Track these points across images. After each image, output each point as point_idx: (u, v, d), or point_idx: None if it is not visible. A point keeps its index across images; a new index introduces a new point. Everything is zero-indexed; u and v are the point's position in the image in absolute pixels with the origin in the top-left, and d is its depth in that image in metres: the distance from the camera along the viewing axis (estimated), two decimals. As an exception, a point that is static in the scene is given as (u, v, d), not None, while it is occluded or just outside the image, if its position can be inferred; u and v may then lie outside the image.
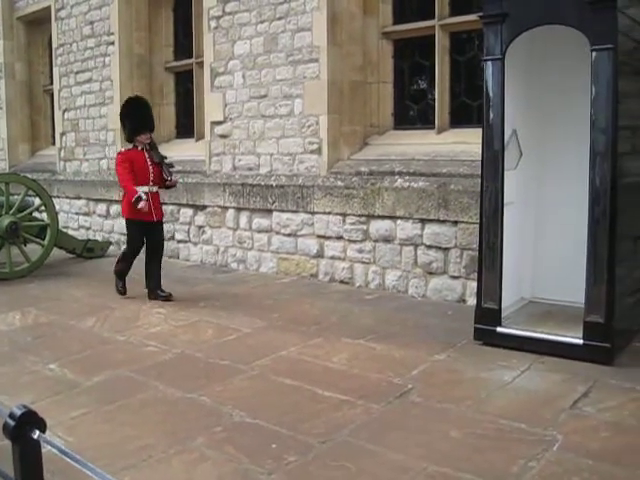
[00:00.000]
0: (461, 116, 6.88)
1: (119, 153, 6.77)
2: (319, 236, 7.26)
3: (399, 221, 6.59)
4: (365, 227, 6.85)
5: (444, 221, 6.26)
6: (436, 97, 6.96)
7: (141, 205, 6.32)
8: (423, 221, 6.39)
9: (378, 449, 3.34)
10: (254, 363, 4.63)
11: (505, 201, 4.80)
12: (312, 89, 7.33)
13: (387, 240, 6.70)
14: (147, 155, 6.61)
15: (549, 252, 5.44)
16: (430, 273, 6.42)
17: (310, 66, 7.34)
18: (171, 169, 6.76)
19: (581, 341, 4.50)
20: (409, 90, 7.45)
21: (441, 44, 6.90)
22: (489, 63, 4.80)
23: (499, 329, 4.84)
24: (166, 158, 6.76)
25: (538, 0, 4.61)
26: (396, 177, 6.67)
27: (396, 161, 6.82)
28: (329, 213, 7.08)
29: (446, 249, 6.29)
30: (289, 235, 7.58)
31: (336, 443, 3.42)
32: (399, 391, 4.08)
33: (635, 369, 4.38)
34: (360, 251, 6.92)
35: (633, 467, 3.11)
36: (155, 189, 6.67)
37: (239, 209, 8.12)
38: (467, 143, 6.34)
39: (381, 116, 7.42)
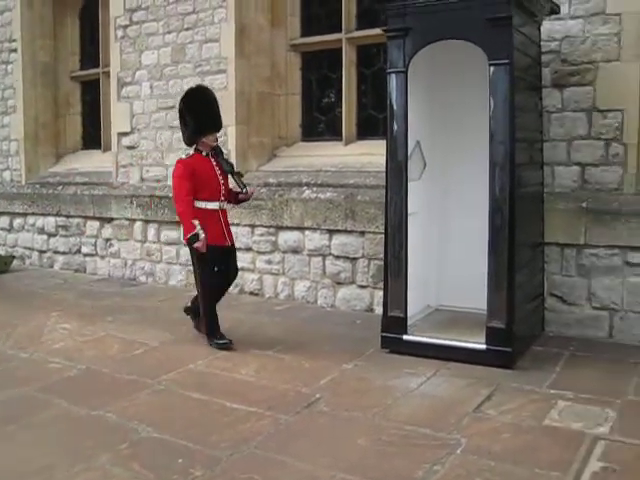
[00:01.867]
0: (368, 128, 6.98)
1: (179, 161, 5.28)
2: (228, 248, 7.20)
3: (307, 232, 6.64)
4: (274, 238, 6.87)
5: (351, 231, 6.35)
6: (343, 109, 7.05)
7: (197, 245, 5.07)
8: (331, 232, 6.46)
9: (286, 459, 3.35)
10: (161, 377, 4.56)
11: (409, 211, 4.91)
12: (220, 100, 7.25)
13: (296, 251, 6.73)
14: (214, 162, 5.35)
15: (453, 260, 5.59)
16: (339, 283, 6.49)
17: (218, 77, 7.31)
18: (242, 179, 5.49)
19: (484, 346, 4.64)
20: (317, 102, 7.51)
21: (348, 57, 7.01)
22: (393, 75, 4.90)
23: (405, 337, 4.93)
24: (233, 166, 5.54)
25: (440, 16, 4.73)
26: (304, 188, 6.71)
27: (304, 172, 6.87)
28: (238, 224, 7.04)
29: (354, 259, 6.37)
30: (198, 247, 7.49)
31: (244, 455, 3.40)
32: (307, 401, 4.09)
33: (535, 372, 4.55)
34: (269, 262, 6.93)
35: (532, 466, 3.23)
36: (225, 205, 5.44)
37: (147, 221, 8.00)
38: (373, 154, 6.44)
39: (289, 128, 7.47)
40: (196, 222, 5.08)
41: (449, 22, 4.69)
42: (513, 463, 3.26)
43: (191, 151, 5.34)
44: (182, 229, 5.42)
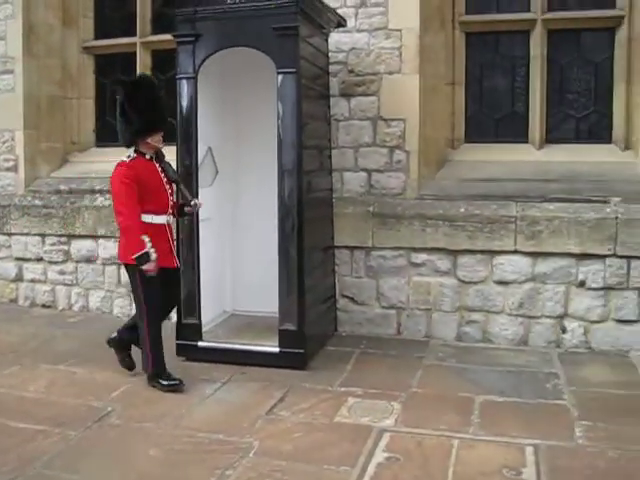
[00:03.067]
0: (166, 133, 6.87)
1: (121, 164, 4.41)
2: (17, 258, 6.83)
3: (101, 240, 6.46)
4: (66, 247, 6.60)
5: (146, 238, 6.25)
6: (138, 114, 6.92)
7: (147, 267, 4.21)
8: (124, 239, 6.31)
9: (74, 477, 3.25)
10: (-63, 400, 4.26)
11: (201, 217, 4.90)
12: (6, 103, 6.92)
13: (89, 260, 6.52)
14: (159, 168, 4.53)
15: (248, 266, 5.66)
16: (134, 292, 6.36)
17: (5, 78, 6.93)
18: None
19: (277, 349, 4.73)
20: (111, 107, 7.29)
21: (143, 61, 6.90)
22: (183, 81, 4.90)
23: (200, 343, 4.92)
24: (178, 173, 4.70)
25: (229, 24, 4.78)
26: (97, 195, 6.51)
27: (97, 179, 6.62)
28: (27, 234, 6.71)
29: (151, 266, 6.27)
30: (-16, 259, 7.07)
31: (28, 477, 3.26)
32: (98, 415, 3.99)
33: (327, 371, 4.71)
34: (62, 273, 6.66)
35: (322, 462, 3.36)
36: (172, 220, 4.63)
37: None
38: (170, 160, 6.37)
39: (82, 133, 7.21)
40: (146, 239, 4.24)
41: (239, 30, 4.74)
42: (304, 461, 3.37)
43: (131, 153, 4.49)
44: (120, 243, 4.55)
